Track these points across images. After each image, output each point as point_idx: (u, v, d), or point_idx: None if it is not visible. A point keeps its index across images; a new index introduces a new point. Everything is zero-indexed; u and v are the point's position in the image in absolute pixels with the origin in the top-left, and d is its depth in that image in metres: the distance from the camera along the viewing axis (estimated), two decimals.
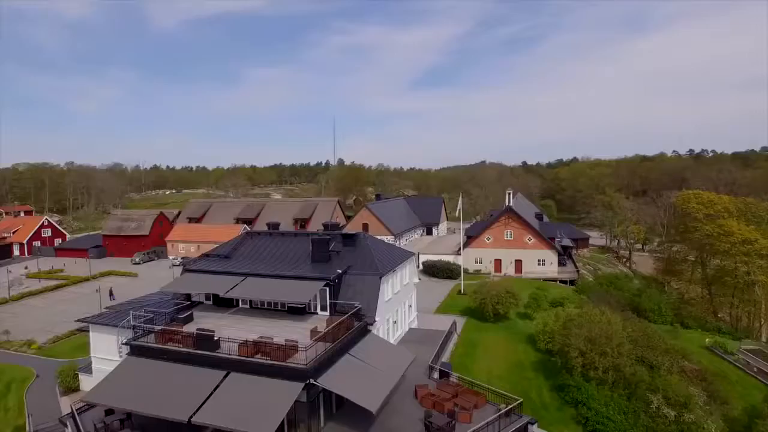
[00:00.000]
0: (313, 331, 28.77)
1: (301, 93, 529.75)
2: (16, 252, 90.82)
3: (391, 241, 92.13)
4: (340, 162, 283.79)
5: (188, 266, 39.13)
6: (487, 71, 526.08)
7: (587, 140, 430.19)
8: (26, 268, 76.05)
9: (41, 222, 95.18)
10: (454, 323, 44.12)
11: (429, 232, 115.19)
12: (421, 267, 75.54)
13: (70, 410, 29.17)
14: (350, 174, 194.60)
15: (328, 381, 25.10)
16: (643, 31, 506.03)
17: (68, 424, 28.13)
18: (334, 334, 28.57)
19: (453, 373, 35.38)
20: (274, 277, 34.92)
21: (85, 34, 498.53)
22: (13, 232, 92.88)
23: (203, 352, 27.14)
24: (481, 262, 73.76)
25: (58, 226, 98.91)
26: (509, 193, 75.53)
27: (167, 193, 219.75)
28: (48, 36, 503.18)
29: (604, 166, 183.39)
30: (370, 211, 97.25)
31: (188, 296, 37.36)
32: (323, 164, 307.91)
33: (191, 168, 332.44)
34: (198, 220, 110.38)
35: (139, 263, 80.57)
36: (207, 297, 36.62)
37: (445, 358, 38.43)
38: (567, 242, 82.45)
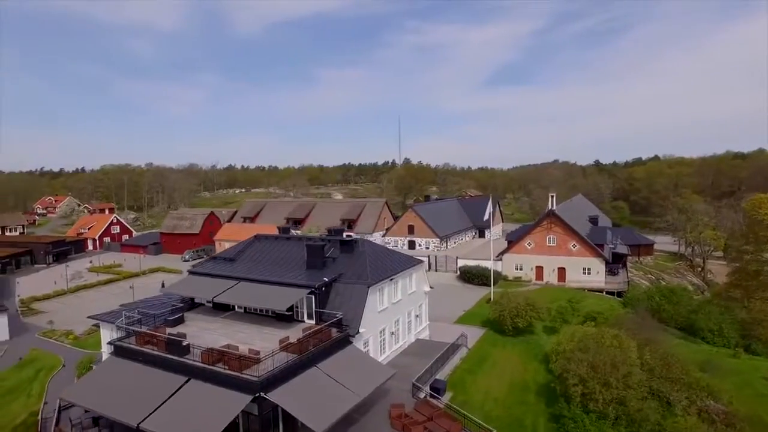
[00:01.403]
0: (282, 341, 28.00)
1: (373, 93, 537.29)
2: (90, 247, 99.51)
3: (436, 244, 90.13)
4: (407, 161, 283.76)
5: (192, 269, 39.99)
6: (562, 67, 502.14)
7: (669, 137, 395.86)
8: (90, 262, 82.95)
9: (111, 220, 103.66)
10: (464, 336, 41.41)
11: (482, 235, 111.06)
12: (457, 272, 72.93)
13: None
14: (410, 174, 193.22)
15: (280, 395, 24.15)
16: (738, 18, 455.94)
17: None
18: (302, 345, 27.60)
19: (447, 392, 33.23)
20: (264, 283, 34.68)
21: (176, 43, 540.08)
22: (88, 229, 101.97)
23: (172, 356, 27.29)
24: (521, 269, 69.42)
25: (125, 224, 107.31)
26: (552, 196, 70.30)
27: (236, 192, 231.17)
28: (144, 46, 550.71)
29: (685, 165, 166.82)
30: (416, 213, 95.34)
31: (192, 298, 38.16)
32: (390, 163, 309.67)
33: (263, 167, 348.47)
34: (252, 220, 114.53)
35: (188, 260, 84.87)
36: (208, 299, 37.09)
37: (445, 373, 36.07)
38: (622, 249, 75.39)
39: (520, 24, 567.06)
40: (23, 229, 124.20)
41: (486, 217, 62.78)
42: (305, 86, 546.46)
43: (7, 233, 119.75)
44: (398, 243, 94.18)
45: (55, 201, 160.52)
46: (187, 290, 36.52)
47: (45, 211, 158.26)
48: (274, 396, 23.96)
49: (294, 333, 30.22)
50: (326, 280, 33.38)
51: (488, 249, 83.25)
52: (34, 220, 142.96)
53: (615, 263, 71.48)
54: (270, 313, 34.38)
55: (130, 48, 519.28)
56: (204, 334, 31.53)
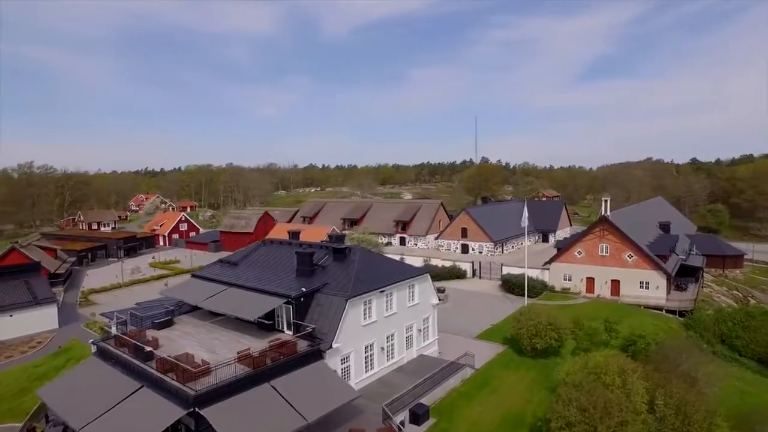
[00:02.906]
0: (240, 353, 27.04)
1: (456, 91, 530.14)
2: (161, 243, 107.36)
3: (490, 249, 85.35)
4: (484, 160, 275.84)
5: (196, 272, 40.59)
6: (663, 58, 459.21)
7: None
8: (153, 257, 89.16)
9: (179, 217, 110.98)
10: (469, 355, 37.84)
11: (545, 239, 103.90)
12: (500, 281, 68.06)
13: None
14: (481, 173, 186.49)
15: (214, 412, 23.07)
16: None
17: None
18: (258, 359, 26.42)
19: (430, 419, 30.39)
20: (250, 290, 34.13)
21: (269, 48, 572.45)
22: (160, 226, 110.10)
23: (136, 362, 27.42)
24: (570, 280, 63.12)
25: (192, 221, 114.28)
26: (606, 201, 62.95)
27: (312, 191, 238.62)
28: (239, 52, 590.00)
29: None
30: (469, 215, 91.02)
31: None
32: (468, 162, 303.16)
33: (343, 166, 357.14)
34: (311, 220, 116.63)
35: None
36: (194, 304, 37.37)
37: (437, 396, 33.10)
38: (696, 260, 65.82)
39: (616, 13, 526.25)
40: (114, 225, 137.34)
41: (524, 222, 57.53)
42: (390, 86, 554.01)
43: (102, 228, 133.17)
44: (451, 246, 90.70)
45: (146, 199, 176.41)
46: (180, 293, 37.05)
47: (137, 208, 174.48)
48: (208, 412, 22.96)
49: (263, 344, 29.19)
50: (304, 290, 31.96)
51: (543, 256, 77.14)
52: (126, 216, 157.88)
53: (685, 276, 62.67)
54: (255, 321, 33.67)
55: (226, 55, 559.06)
56: (181, 339, 31.58)
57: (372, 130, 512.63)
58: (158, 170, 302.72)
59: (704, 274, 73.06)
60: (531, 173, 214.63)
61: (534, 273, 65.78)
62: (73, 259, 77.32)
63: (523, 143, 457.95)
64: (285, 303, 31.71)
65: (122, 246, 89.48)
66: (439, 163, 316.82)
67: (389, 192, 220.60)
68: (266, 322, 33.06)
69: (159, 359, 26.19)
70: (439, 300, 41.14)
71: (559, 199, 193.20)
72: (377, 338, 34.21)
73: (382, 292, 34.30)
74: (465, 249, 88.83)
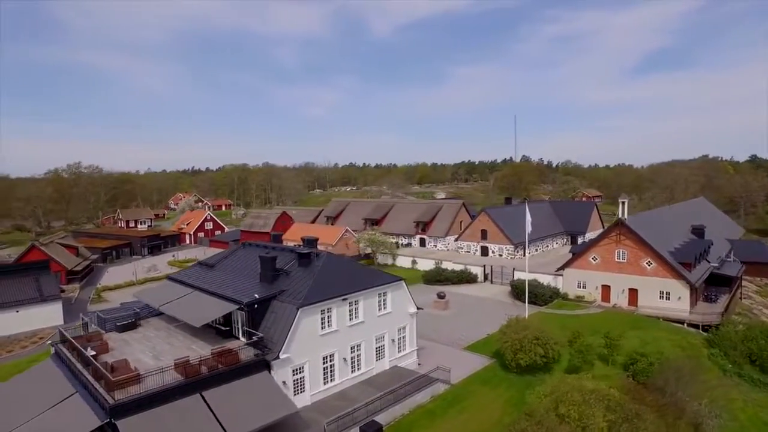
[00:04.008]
0: (177, 360, 26.14)
1: (501, 89, 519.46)
2: (187, 241, 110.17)
3: (511, 251, 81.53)
4: (525, 159, 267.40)
5: (172, 274, 40.36)
6: (724, 49, 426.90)
7: None
8: (173, 256, 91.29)
9: (205, 216, 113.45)
10: (442, 369, 35.40)
11: (574, 242, 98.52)
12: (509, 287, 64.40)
13: None
14: (515, 172, 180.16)
15: (130, 424, 22.18)
16: None
17: None
18: (190, 368, 25.41)
19: None
20: (212, 294, 33.37)
21: (316, 49, 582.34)
22: (187, 224, 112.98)
23: (78, 367, 27.11)
24: (584, 287, 58.80)
25: (217, 220, 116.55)
26: (623, 203, 58.01)
27: (347, 189, 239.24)
28: (287, 53, 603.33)
29: None
30: (489, 216, 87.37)
31: None
32: (509, 161, 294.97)
33: (381, 165, 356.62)
34: (334, 219, 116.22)
35: None
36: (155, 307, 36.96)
37: (399, 413, 30.97)
38: (731, 269, 59.56)
39: (676, 3, 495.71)
40: (151, 223, 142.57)
41: (528, 229, 54.02)
42: (434, 84, 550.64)
43: (138, 226, 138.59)
44: (471, 248, 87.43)
45: (183, 198, 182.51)
46: (148, 296, 36.83)
47: (176, 207, 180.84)
48: (124, 424, 22.12)
49: (208, 351, 28.22)
50: (257, 297, 30.76)
51: (563, 261, 72.66)
52: (164, 214, 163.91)
53: (717, 286, 56.89)
54: (214, 326, 32.86)
55: (275, 56, 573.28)
56: (137, 343, 31.20)
57: (414, 128, 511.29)
58: (204, 169, 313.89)
59: (743, 283, 66.33)
60: (572, 172, 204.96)
61: (546, 279, 61.92)
62: (96, 256, 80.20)
63: (568, 141, 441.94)
64: (239, 309, 30.66)
65: (146, 244, 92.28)
66: (479, 162, 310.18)
67: (422, 191, 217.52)
68: (223, 328, 32.23)
69: (93, 365, 25.68)
70: (419, 308, 38.81)
71: (600, 199, 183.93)
72: (339, 348, 32.49)
73: (344, 300, 32.55)
74: (485, 251, 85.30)
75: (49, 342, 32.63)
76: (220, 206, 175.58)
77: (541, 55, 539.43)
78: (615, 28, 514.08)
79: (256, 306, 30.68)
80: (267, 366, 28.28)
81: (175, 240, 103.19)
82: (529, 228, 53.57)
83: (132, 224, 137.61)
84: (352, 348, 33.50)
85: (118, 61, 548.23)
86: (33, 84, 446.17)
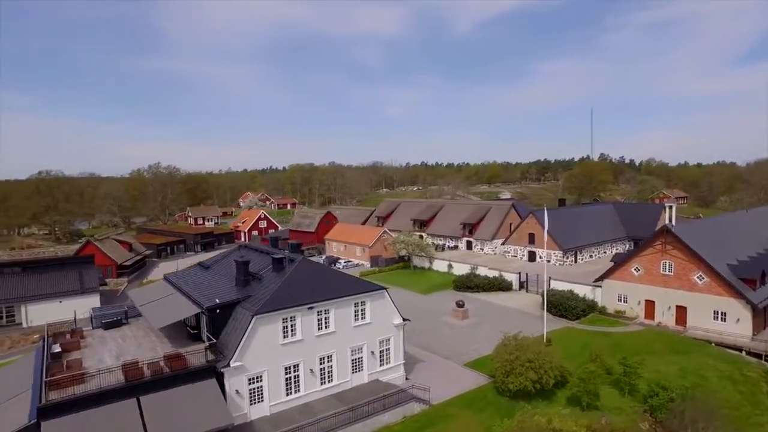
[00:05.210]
0: (125, 363, 26.24)
1: (585, 84, 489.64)
2: (242, 239, 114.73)
3: (559, 257, 75.55)
4: (602, 157, 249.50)
5: (168, 274, 41.33)
6: None
7: None
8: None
9: (259, 215, 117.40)
10: (419, 387, 32.67)
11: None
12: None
13: None
14: (585, 172, 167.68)
15: (54, 426, 22.40)
16: None
17: None
18: (132, 372, 25.33)
19: None
20: (185, 296, 33.49)
21: (398, 48, 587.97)
22: (242, 222, 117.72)
23: (47, 364, 28.14)
24: (625, 301, 52.34)
25: (271, 219, 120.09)
26: (670, 207, 50.53)
27: (413, 189, 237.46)
28: (369, 53, 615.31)
29: None
30: (537, 219, 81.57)
31: None
32: (585, 159, 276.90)
33: (453, 164, 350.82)
34: (384, 220, 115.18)
35: None
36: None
37: None
38: None
39: None
40: (218, 220, 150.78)
41: (545, 237, 49.13)
42: (515, 81, 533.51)
43: (206, 223, 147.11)
44: (518, 253, 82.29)
45: (249, 196, 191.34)
46: (138, 295, 37.84)
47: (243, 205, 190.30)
48: (48, 426, 22.37)
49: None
50: (217, 301, 30.22)
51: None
52: (232, 212, 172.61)
53: None
54: (188, 328, 32.93)
55: (357, 57, 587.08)
56: (111, 342, 32.07)
57: (491, 127, 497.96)
58: (281, 168, 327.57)
59: None
60: (656, 171, 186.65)
61: (584, 290, 56.07)
62: (150, 251, 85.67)
63: (654, 138, 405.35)
64: (202, 313, 30.35)
65: (199, 241, 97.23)
66: (555, 161, 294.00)
67: (489, 191, 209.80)
68: (192, 331, 32.16)
69: (47, 363, 26.46)
70: (405, 319, 36.25)
71: (684, 201, 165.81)
72: (304, 359, 31.07)
73: (310, 308, 31.06)
74: (532, 257, 79.75)
75: (37, 336, 34.51)
76: (285, 205, 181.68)
77: (631, 45, 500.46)
78: (718, 12, 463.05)
79: (218, 311, 30.17)
80: (216, 373, 27.57)
81: (230, 238, 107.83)
82: (545, 236, 48.73)
83: (200, 221, 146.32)
84: (321, 359, 31.94)
85: (207, 67, 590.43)
86: (128, 90, 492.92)
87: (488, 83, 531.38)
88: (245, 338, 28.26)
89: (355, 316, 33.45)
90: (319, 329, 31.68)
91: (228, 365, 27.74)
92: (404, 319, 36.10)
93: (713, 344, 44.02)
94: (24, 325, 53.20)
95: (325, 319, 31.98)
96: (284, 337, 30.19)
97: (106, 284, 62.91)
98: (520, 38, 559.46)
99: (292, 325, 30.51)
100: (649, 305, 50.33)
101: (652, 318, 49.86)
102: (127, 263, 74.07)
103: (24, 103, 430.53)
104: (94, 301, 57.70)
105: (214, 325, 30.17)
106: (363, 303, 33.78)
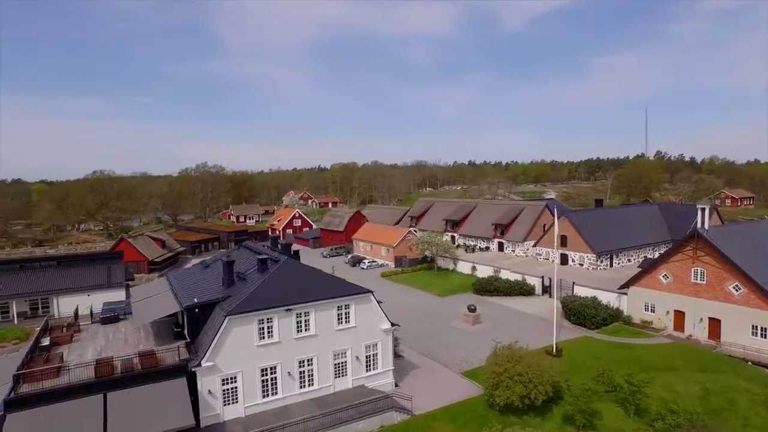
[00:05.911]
0: (100, 360, 26.83)
1: (644, 78, 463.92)
2: (279, 237, 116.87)
3: (592, 261, 71.47)
4: (658, 155, 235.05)
5: (169, 272, 42.21)
6: None
7: None
8: None
9: (293, 214, 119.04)
10: (401, 397, 31.33)
11: None
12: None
13: None
14: (634, 170, 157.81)
15: (15, 420, 23.11)
16: None
17: None
18: (101, 368, 25.83)
19: None
20: (174, 295, 33.99)
21: (447, 46, 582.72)
22: (278, 221, 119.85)
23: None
24: (652, 311, 48.30)
25: (306, 217, 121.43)
26: (703, 209, 45.79)
27: (457, 188, 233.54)
28: (418, 53, 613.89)
29: None
30: (570, 220, 77.55)
31: None
32: (639, 157, 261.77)
33: (500, 163, 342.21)
34: (418, 219, 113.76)
35: (326, 257, 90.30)
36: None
37: None
38: None
39: None
40: (258, 218, 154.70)
41: (556, 241, 46.04)
42: (570, 78, 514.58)
43: (247, 221, 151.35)
44: (549, 255, 78.66)
45: (291, 195, 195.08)
46: (135, 292, 38.81)
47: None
48: (11, 419, 23.11)
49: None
50: (195, 301, 30.35)
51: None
52: (273, 210, 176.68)
53: None
54: (174, 327, 33.39)
55: (406, 56, 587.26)
56: (101, 336, 33.05)
57: (542, 125, 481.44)
58: (328, 167, 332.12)
59: None
60: (719, 169, 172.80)
61: (609, 297, 52.38)
62: (184, 248, 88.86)
63: (720, 134, 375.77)
64: (181, 312, 30.60)
65: (233, 239, 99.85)
66: (607, 159, 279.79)
67: (535, 190, 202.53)
68: (177, 330, 32.53)
69: (28, 356, 27.49)
70: (393, 324, 34.97)
71: (750, 202, 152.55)
72: (282, 361, 30.61)
73: (288, 310, 30.55)
74: (564, 260, 75.88)
75: (38, 328, 36.13)
76: (327, 203, 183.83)
77: (695, 35, 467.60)
78: None
79: (197, 310, 30.30)
80: (188, 373, 27.62)
81: (264, 236, 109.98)
82: (556, 241, 45.70)
83: (242, 219, 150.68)
84: (300, 362, 31.38)
85: (261, 69, 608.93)
86: (183, 92, 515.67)
87: (540, 80, 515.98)
88: (218, 338, 28.18)
89: (339, 319, 32.63)
90: (298, 331, 31.14)
91: (199, 365, 27.73)
92: (393, 324, 34.83)
93: (749, 362, 39.61)
94: (56, 316, 56.44)
95: (305, 321, 31.39)
96: (260, 338, 29.87)
97: (133, 279, 65.58)
98: (574, 32, 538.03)
99: (269, 327, 30.14)
100: (679, 316, 46.15)
101: (682, 330, 45.68)
102: (158, 259, 77.03)
103: (95, 106, 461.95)
104: (119, 295, 60.09)
105: (194, 325, 30.35)
106: (347, 306, 32.89)
